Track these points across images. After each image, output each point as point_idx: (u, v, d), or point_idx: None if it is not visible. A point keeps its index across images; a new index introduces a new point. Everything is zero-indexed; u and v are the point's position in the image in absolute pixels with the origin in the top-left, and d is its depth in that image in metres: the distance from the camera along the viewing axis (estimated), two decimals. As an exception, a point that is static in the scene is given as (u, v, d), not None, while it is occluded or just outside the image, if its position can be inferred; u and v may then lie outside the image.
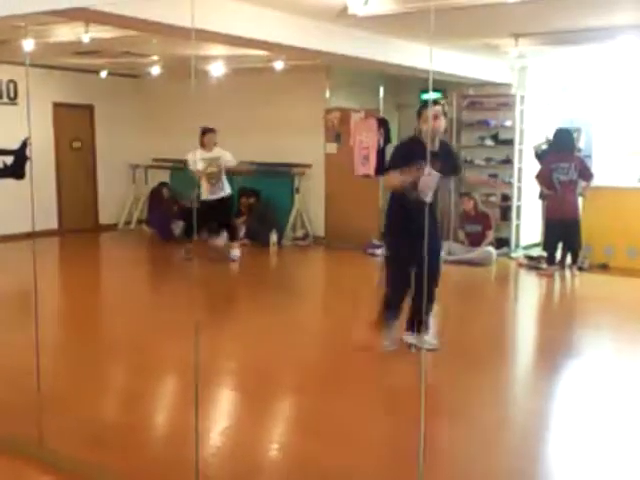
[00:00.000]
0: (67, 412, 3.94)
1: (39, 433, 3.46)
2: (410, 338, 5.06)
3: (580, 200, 8.27)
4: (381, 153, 9.54)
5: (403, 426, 3.76)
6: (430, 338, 5.01)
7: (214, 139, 8.57)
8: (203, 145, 8.49)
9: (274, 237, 9.94)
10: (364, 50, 7.08)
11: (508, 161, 9.74)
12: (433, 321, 5.12)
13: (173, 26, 5.11)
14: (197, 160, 8.41)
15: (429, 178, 4.73)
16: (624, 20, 6.28)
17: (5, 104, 10.04)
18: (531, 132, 9.73)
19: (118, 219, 11.74)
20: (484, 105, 9.93)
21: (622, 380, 4.73)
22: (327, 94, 10.11)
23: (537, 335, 6.34)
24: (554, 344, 5.59)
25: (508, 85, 9.80)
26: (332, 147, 10.09)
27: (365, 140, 9.64)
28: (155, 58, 9.19)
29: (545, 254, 8.40)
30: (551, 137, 8.47)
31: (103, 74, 10.72)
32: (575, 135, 8.59)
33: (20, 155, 5.59)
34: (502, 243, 9.52)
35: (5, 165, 5.66)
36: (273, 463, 3.52)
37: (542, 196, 8.62)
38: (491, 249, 8.93)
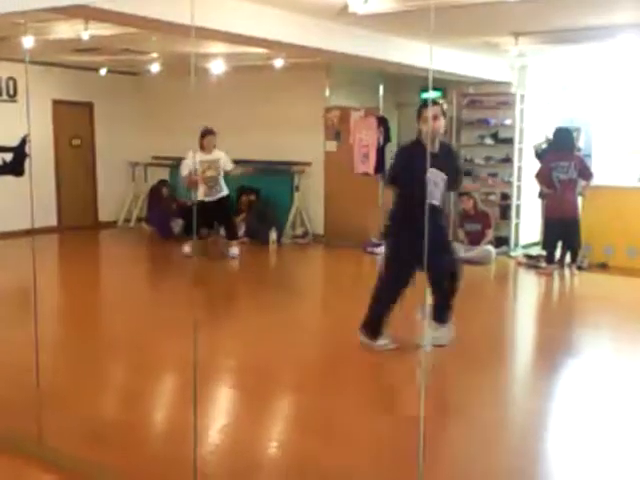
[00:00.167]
0: (66, 410, 3.94)
1: (38, 431, 3.46)
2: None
3: (580, 199, 8.26)
4: (381, 151, 9.54)
5: (403, 425, 3.75)
6: (440, 334, 5.03)
7: (213, 141, 8.56)
8: (202, 147, 8.47)
9: (274, 235, 9.94)
10: (364, 48, 7.07)
11: (508, 160, 9.74)
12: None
13: (173, 23, 5.10)
14: (196, 162, 8.42)
15: (433, 179, 4.73)
16: (624, 19, 6.27)
17: (4, 101, 10.04)
18: (531, 131, 9.73)
19: (117, 217, 11.74)
20: (484, 104, 9.92)
21: (621, 379, 4.74)
22: (327, 92, 10.10)
23: (536, 334, 6.34)
24: (553, 343, 5.59)
25: (508, 84, 9.79)
26: (332, 145, 10.08)
27: (365, 138, 9.64)
28: (155, 55, 9.18)
29: (544, 253, 8.40)
30: (551, 136, 8.47)
31: (103, 71, 10.70)
32: (575, 134, 8.59)
33: (19, 152, 5.57)
34: (501, 242, 9.52)
35: (4, 162, 5.63)
36: (272, 461, 3.52)
37: (542, 195, 8.63)
38: (490, 248, 8.94)
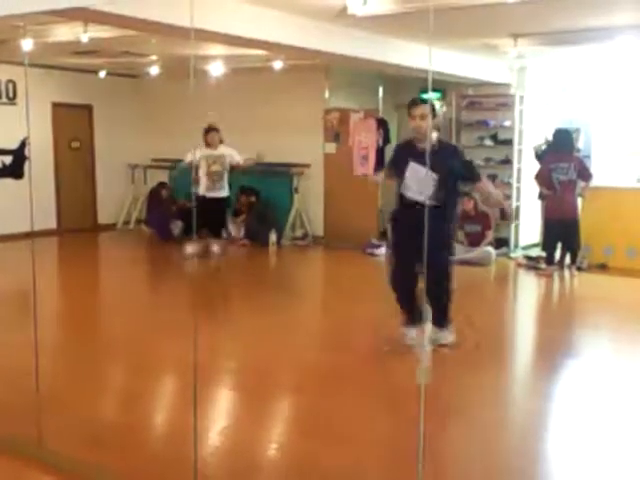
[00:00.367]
0: (66, 412, 3.94)
1: (38, 433, 3.45)
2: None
3: (579, 200, 8.26)
4: (380, 153, 9.53)
5: (403, 426, 3.75)
6: (440, 336, 5.05)
7: (217, 137, 8.58)
8: (207, 144, 8.51)
9: (273, 237, 9.94)
10: (363, 50, 7.08)
11: (507, 161, 9.75)
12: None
13: (172, 26, 5.11)
14: (199, 157, 8.43)
15: (414, 175, 4.72)
16: (623, 20, 6.28)
17: (4, 104, 10.05)
18: (530, 132, 9.73)
19: (117, 219, 11.74)
20: (483, 105, 9.93)
21: (621, 380, 4.73)
22: (326, 94, 10.11)
23: (536, 335, 6.34)
24: (553, 344, 5.59)
25: (507, 85, 9.80)
26: (331, 147, 10.09)
27: (364, 140, 9.64)
28: (154, 58, 9.19)
29: (544, 254, 8.41)
30: (551, 138, 8.47)
31: (102, 74, 10.71)
32: (574, 135, 8.59)
33: (19, 155, 5.59)
34: (501, 243, 9.52)
35: (4, 165, 5.65)
36: (272, 462, 3.52)
37: (542, 196, 8.63)
38: (490, 249, 8.94)
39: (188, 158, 8.46)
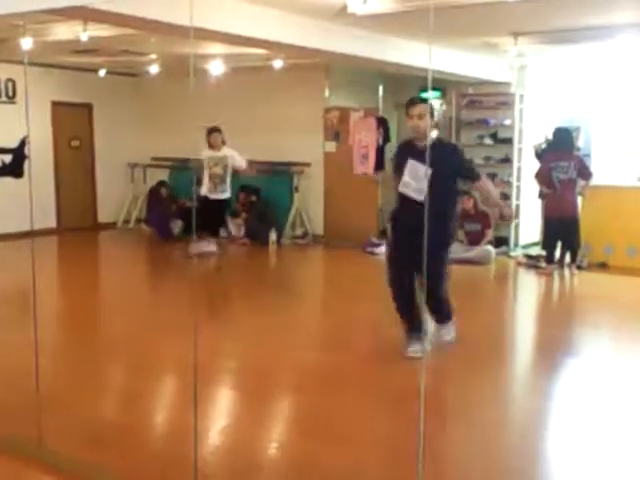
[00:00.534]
0: (66, 412, 3.94)
1: (38, 433, 3.45)
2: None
3: (579, 199, 8.26)
4: (380, 152, 9.53)
5: (403, 426, 3.75)
6: (442, 331, 5.05)
7: (220, 138, 8.60)
8: (210, 145, 8.54)
9: (273, 236, 9.94)
10: (363, 49, 7.07)
11: (507, 160, 9.74)
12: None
13: (171, 24, 5.10)
14: (203, 158, 8.49)
15: (413, 172, 4.70)
16: (623, 19, 6.27)
17: (4, 103, 10.04)
18: (530, 131, 9.73)
19: (117, 218, 11.74)
20: (483, 104, 9.93)
21: (621, 379, 4.73)
22: (326, 93, 10.10)
23: (536, 334, 6.34)
24: (553, 343, 5.59)
25: (507, 84, 9.80)
26: (331, 146, 10.08)
27: (364, 139, 9.64)
28: (154, 57, 9.18)
29: (544, 253, 8.40)
30: (551, 136, 8.46)
31: (102, 73, 10.70)
32: (574, 134, 8.58)
33: (18, 154, 5.57)
34: (501, 242, 9.52)
35: (3, 164, 5.64)
36: (272, 462, 3.52)
37: (542, 195, 8.62)
38: (490, 248, 8.94)
39: (205, 163, 8.54)
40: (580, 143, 9.08)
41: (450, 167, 4.78)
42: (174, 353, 4.84)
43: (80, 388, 4.42)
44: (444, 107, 10.31)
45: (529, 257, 8.90)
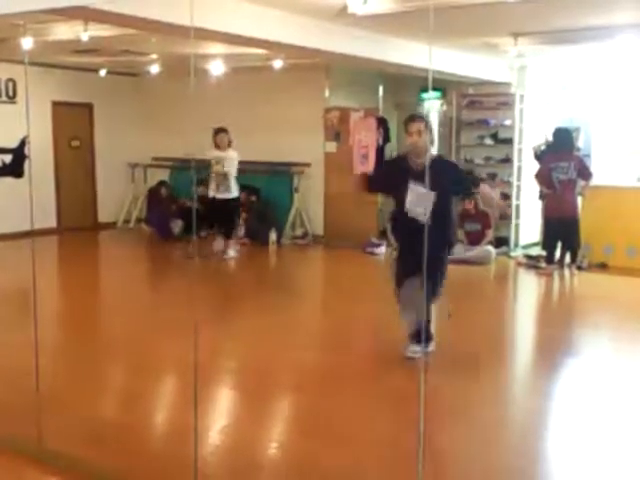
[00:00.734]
0: (66, 411, 3.94)
1: (38, 432, 3.45)
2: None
3: (579, 199, 8.26)
4: (380, 152, 9.52)
5: (403, 426, 3.75)
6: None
7: (226, 139, 8.67)
8: (216, 145, 8.61)
9: (273, 236, 9.94)
10: (363, 49, 7.08)
11: (507, 160, 9.75)
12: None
13: (172, 24, 5.11)
14: (210, 158, 8.59)
15: (417, 195, 4.63)
16: (623, 19, 6.27)
17: (4, 103, 10.05)
18: (530, 131, 9.73)
19: (117, 218, 11.74)
20: (484, 104, 9.93)
21: (621, 379, 4.74)
22: (326, 93, 10.11)
23: (536, 334, 6.34)
24: (553, 343, 5.59)
25: (507, 84, 9.80)
26: (331, 146, 10.08)
27: (364, 139, 9.62)
28: (154, 57, 9.19)
29: (544, 253, 8.40)
30: (551, 138, 8.46)
31: (102, 73, 10.70)
32: (574, 134, 8.58)
33: (19, 154, 5.57)
34: (501, 242, 9.52)
35: (4, 164, 5.64)
36: (272, 462, 3.52)
37: (542, 196, 8.62)
38: (490, 248, 8.94)
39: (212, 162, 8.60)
40: (580, 143, 9.08)
41: (451, 185, 4.75)
42: (174, 353, 4.85)
43: (80, 388, 4.42)
44: (444, 107, 10.33)
45: (529, 257, 8.90)
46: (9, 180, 5.60)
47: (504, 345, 5.73)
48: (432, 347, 4.90)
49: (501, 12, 5.94)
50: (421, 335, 4.65)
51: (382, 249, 9.22)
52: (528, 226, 9.86)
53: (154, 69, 10.06)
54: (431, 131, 4.87)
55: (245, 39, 6.05)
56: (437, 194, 4.54)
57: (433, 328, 4.98)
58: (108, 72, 10.78)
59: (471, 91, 10.03)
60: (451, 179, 4.79)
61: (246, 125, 10.32)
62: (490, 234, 9.06)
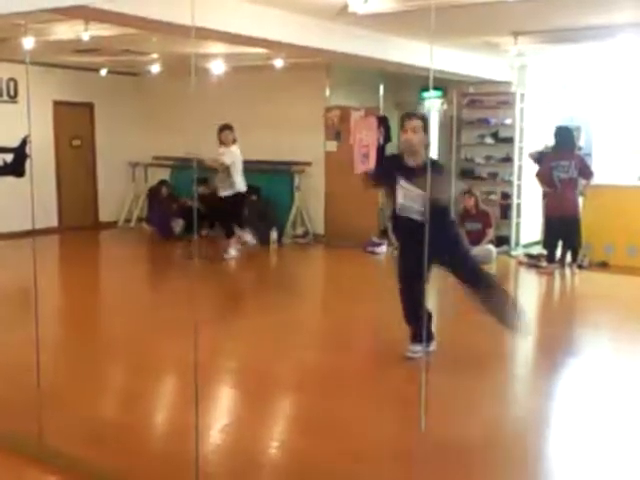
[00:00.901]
0: (67, 409, 3.95)
1: (39, 431, 3.46)
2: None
3: (580, 198, 8.26)
4: (381, 151, 9.50)
5: (403, 425, 3.76)
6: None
7: (231, 136, 8.67)
8: (220, 142, 8.61)
9: (274, 235, 9.94)
10: (364, 48, 7.07)
11: (508, 159, 9.75)
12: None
13: (173, 24, 5.11)
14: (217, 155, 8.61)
15: (406, 193, 4.65)
16: (624, 18, 6.27)
17: (5, 102, 10.05)
18: (531, 130, 9.73)
19: (118, 217, 11.74)
20: (484, 103, 9.93)
21: (621, 379, 4.74)
22: (327, 92, 10.11)
23: (537, 333, 6.32)
24: (554, 342, 5.59)
25: (508, 83, 9.80)
26: (332, 145, 10.08)
27: (365, 138, 9.58)
28: (155, 56, 9.19)
29: (545, 252, 8.40)
30: (550, 144, 8.44)
31: (103, 72, 10.71)
32: (575, 133, 8.58)
33: (20, 153, 5.59)
34: (502, 241, 9.52)
35: (5, 163, 5.66)
36: (273, 461, 3.53)
37: (545, 195, 8.62)
38: (491, 247, 8.93)
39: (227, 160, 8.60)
40: (581, 142, 9.08)
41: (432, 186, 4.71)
42: (175, 352, 4.85)
43: (81, 386, 4.43)
44: (445, 106, 10.33)
45: (530, 256, 8.90)
46: (10, 179, 5.62)
47: (504, 344, 5.73)
48: (433, 346, 4.90)
49: (502, 11, 5.94)
50: (422, 334, 4.66)
51: (383, 248, 9.23)
52: (529, 225, 9.86)
53: (155, 68, 10.06)
54: (427, 131, 4.81)
55: (246, 38, 6.06)
56: (431, 194, 4.52)
57: (434, 327, 4.99)
58: (109, 72, 10.79)
59: (472, 90, 10.03)
60: (435, 184, 4.63)
61: (247, 124, 10.31)
62: (491, 233, 9.05)
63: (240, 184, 8.73)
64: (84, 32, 6.50)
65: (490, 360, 5.08)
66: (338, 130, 9.91)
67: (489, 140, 9.89)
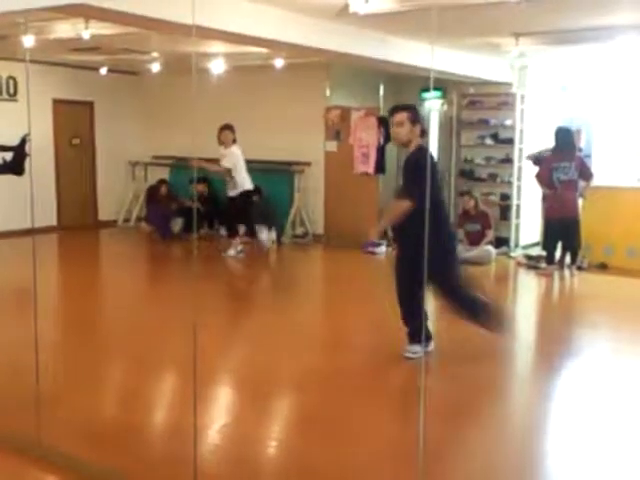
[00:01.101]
0: (66, 409, 3.94)
1: (38, 430, 3.45)
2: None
3: (580, 200, 8.26)
4: (381, 151, 9.54)
5: (403, 425, 3.75)
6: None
7: (230, 136, 8.67)
8: (220, 142, 8.62)
9: (273, 235, 9.93)
10: (365, 48, 7.07)
11: (508, 160, 9.74)
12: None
13: (173, 23, 5.10)
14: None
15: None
16: (624, 20, 6.28)
17: (5, 100, 10.04)
18: (531, 131, 9.73)
19: (117, 216, 11.73)
20: (484, 104, 9.93)
21: (620, 380, 4.74)
22: (327, 92, 10.10)
23: (535, 334, 6.33)
24: (553, 343, 5.59)
25: (508, 84, 9.79)
26: (332, 145, 10.07)
27: (365, 138, 9.64)
28: (155, 55, 9.18)
29: (544, 253, 8.40)
30: (548, 147, 8.43)
31: (103, 71, 10.70)
32: (575, 135, 8.58)
33: (19, 151, 5.58)
34: (501, 242, 9.52)
35: (4, 161, 5.64)
36: (271, 460, 3.52)
37: (545, 197, 8.61)
38: (490, 248, 8.94)
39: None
40: (581, 144, 9.08)
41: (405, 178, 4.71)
42: (174, 351, 4.85)
43: (80, 386, 4.43)
44: (445, 107, 10.32)
45: (529, 257, 8.90)
46: (10, 178, 5.60)
47: (503, 345, 5.72)
48: (431, 347, 4.90)
49: (503, 12, 5.94)
50: (421, 335, 4.66)
51: (382, 249, 9.22)
52: (528, 226, 9.86)
53: (155, 67, 10.05)
54: (419, 122, 4.73)
55: (246, 38, 6.05)
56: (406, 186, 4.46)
57: (432, 328, 4.99)
58: (109, 70, 10.77)
59: (472, 91, 10.02)
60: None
61: (247, 124, 10.30)
62: (490, 234, 9.06)
63: (245, 183, 8.74)
64: (84, 30, 6.49)
65: (489, 360, 5.07)
66: (338, 130, 9.92)
67: (489, 141, 9.89)
